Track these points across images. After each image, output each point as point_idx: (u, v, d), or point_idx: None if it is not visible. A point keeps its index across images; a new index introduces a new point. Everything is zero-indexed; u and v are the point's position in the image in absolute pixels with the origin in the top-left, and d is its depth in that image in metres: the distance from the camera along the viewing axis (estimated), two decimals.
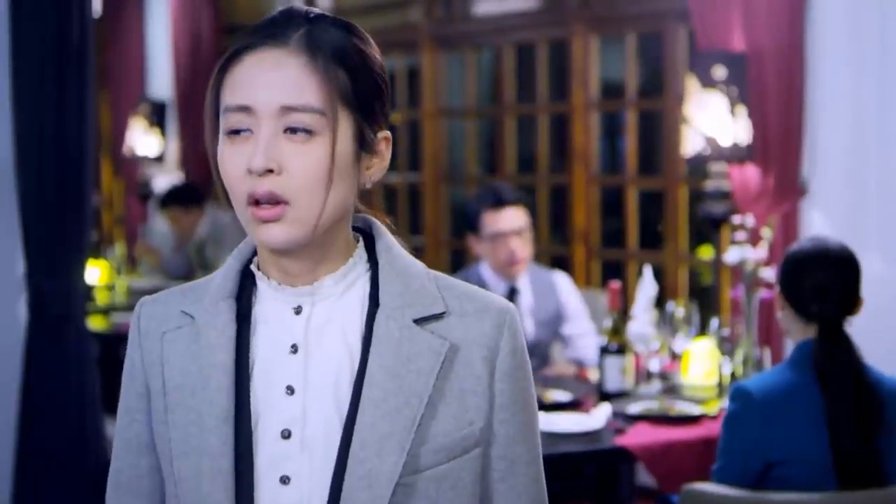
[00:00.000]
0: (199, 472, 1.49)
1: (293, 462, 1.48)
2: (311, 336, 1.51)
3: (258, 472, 1.49)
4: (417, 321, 1.51)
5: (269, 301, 1.54)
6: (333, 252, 1.53)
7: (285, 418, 1.49)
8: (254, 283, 1.56)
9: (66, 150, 3.35)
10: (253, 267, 1.56)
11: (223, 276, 1.57)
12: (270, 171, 1.43)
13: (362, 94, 1.50)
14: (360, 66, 1.50)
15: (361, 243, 1.59)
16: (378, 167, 1.56)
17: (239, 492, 1.48)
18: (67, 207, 3.40)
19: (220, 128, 1.47)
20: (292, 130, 1.45)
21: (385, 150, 1.57)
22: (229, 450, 1.48)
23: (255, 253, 1.57)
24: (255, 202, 1.45)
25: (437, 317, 1.52)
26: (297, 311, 1.52)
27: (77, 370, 3.47)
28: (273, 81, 1.45)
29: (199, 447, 1.49)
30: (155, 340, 1.57)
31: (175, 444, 1.52)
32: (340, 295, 1.54)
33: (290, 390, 1.49)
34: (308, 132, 1.45)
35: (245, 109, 1.45)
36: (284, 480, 1.48)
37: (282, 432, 1.48)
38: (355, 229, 1.60)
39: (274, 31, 1.48)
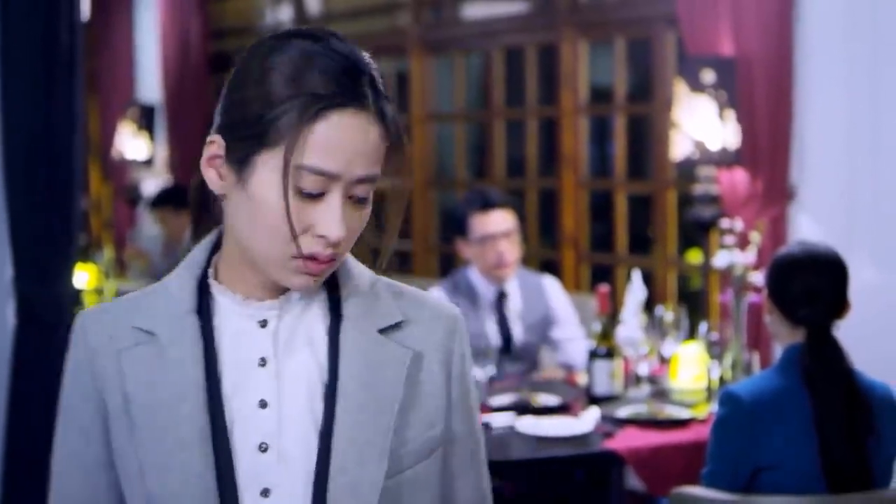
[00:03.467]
0: (181, 490, 1.47)
1: (272, 475, 1.50)
2: (279, 349, 1.52)
3: (240, 486, 1.49)
4: (381, 331, 1.55)
5: (233, 315, 1.54)
6: None
7: (261, 432, 1.50)
8: (210, 297, 1.55)
9: (55, 154, 3.34)
10: (212, 281, 1.55)
11: (180, 290, 1.54)
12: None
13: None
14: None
15: None
16: None
17: None
18: (55, 212, 3.39)
19: (289, 179, 1.41)
20: (359, 200, 1.47)
21: None
22: (212, 466, 1.48)
23: (208, 264, 1.57)
24: (311, 258, 1.46)
25: (397, 325, 1.57)
26: (263, 324, 1.53)
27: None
28: (359, 151, 1.44)
29: (179, 465, 1.48)
30: (109, 358, 1.53)
31: (146, 462, 1.49)
32: (304, 308, 1.55)
33: (263, 404, 1.50)
34: (367, 199, 1.49)
35: (328, 175, 1.43)
36: (265, 493, 1.49)
37: (259, 446, 1.50)
38: None
39: (356, 89, 1.44)
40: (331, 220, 1.44)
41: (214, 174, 1.48)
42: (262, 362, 1.51)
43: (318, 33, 1.49)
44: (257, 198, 1.44)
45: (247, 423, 1.50)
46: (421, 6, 6.82)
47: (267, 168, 1.43)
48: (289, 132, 1.41)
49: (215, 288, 1.55)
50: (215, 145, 1.47)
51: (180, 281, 1.55)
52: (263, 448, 1.49)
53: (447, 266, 6.64)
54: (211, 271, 1.56)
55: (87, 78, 9.07)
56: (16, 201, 3.32)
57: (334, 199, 1.44)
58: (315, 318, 1.55)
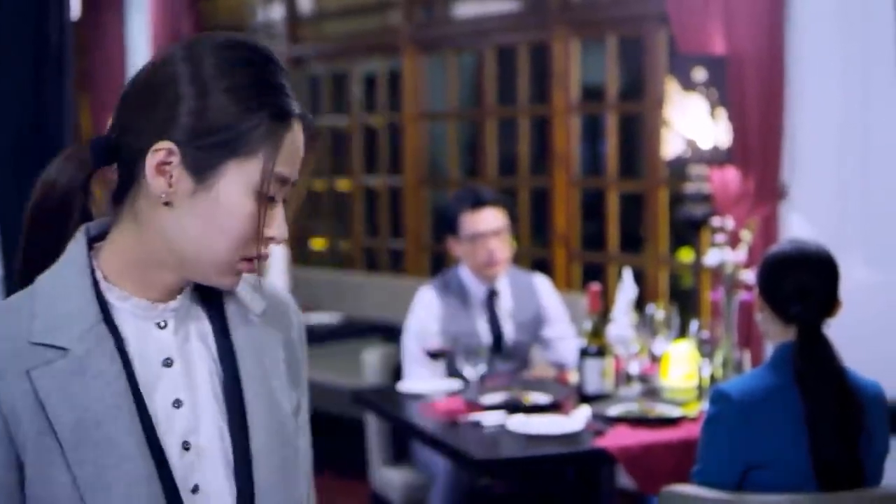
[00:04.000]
0: (128, 502, 1.45)
1: (198, 472, 1.53)
2: (180, 348, 1.55)
3: (178, 487, 1.51)
4: (256, 318, 1.63)
5: (132, 318, 1.53)
6: None
7: (182, 431, 1.52)
8: (106, 301, 1.52)
9: (45, 151, 3.33)
10: (107, 284, 1.52)
11: (81, 299, 1.49)
12: None
13: None
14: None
15: None
16: None
17: None
18: None
19: (260, 184, 1.48)
20: (284, 201, 1.54)
21: None
22: (155, 473, 1.48)
23: (93, 269, 1.53)
24: (249, 260, 1.52)
25: (263, 313, 1.64)
26: (162, 326, 1.54)
27: None
28: (301, 157, 1.55)
29: (124, 477, 1.45)
30: (16, 380, 1.44)
31: (83, 481, 1.43)
32: (189, 307, 1.58)
33: (178, 403, 1.53)
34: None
35: (288, 181, 1.53)
36: (195, 490, 1.52)
37: (182, 445, 1.52)
38: None
39: (296, 98, 1.55)
40: (282, 222, 1.52)
41: (163, 181, 1.46)
42: (168, 363, 1.53)
43: (243, 40, 1.52)
44: (224, 203, 1.46)
45: (169, 425, 1.51)
46: (413, 5, 6.82)
47: (236, 175, 1.47)
48: (264, 142, 1.48)
49: (110, 292, 1.52)
50: (164, 152, 1.45)
51: (70, 287, 1.50)
52: (186, 447, 1.52)
53: (439, 265, 6.64)
54: (99, 274, 1.52)
55: (78, 77, 9.07)
56: (5, 199, 3.31)
57: (280, 203, 1.53)
58: (199, 315, 1.59)
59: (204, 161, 1.45)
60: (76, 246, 1.52)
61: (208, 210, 1.46)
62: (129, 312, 1.52)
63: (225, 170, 1.46)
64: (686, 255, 5.80)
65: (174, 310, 1.55)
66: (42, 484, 1.45)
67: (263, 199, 1.47)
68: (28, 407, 1.44)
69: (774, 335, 2.92)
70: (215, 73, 1.46)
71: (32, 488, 1.45)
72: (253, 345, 1.60)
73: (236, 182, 1.46)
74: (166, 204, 1.47)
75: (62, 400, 1.44)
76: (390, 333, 5.18)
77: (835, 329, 2.88)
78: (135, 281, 1.52)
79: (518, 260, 5.90)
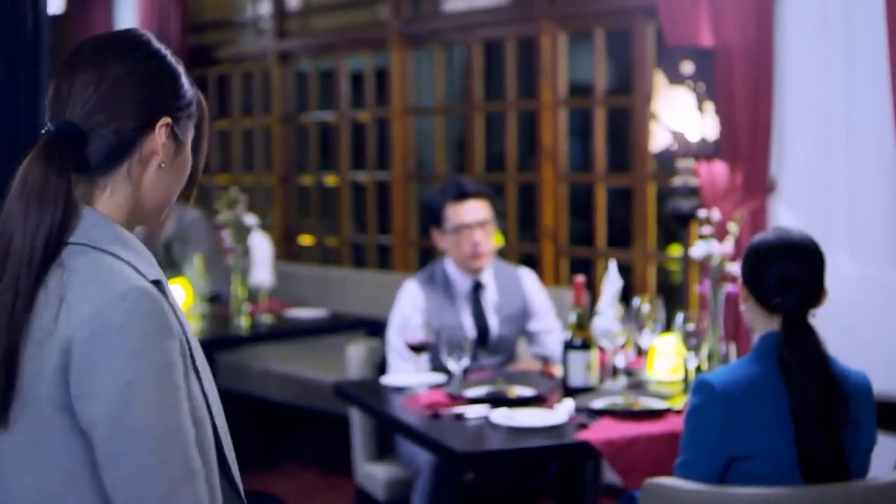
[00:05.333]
0: (221, 420, 1.84)
1: None
2: None
3: None
4: None
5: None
6: None
7: None
8: None
9: (20, 144, 3.29)
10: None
11: (138, 244, 1.83)
12: None
13: None
14: None
15: None
16: None
17: None
18: None
19: (200, 141, 1.96)
20: None
21: None
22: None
23: None
24: None
25: None
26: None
27: None
28: None
29: (215, 397, 1.84)
30: (177, 314, 1.78)
31: (210, 399, 1.80)
32: None
33: None
34: None
35: None
36: None
37: None
38: None
39: None
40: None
41: (166, 147, 1.83)
42: None
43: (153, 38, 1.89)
44: (185, 158, 1.89)
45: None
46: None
47: (189, 135, 1.88)
48: (201, 110, 1.92)
49: None
50: (167, 126, 1.82)
51: (130, 238, 1.81)
52: None
53: (427, 261, 6.60)
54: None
55: None
56: None
57: None
58: None
59: (183, 128, 1.85)
60: (97, 214, 1.78)
61: (179, 166, 1.86)
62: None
63: (188, 134, 1.87)
64: (676, 252, 5.76)
65: None
66: (192, 400, 1.73)
67: (204, 152, 1.94)
68: (182, 335, 1.75)
69: (759, 325, 2.88)
70: (166, 64, 1.84)
71: (191, 404, 1.73)
72: None
73: (189, 141, 1.88)
74: (160, 166, 1.82)
75: (181, 323, 1.77)
76: (377, 329, 5.14)
77: (821, 322, 2.83)
78: None
79: (506, 255, 5.86)
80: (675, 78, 4.68)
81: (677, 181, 4.84)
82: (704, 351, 3.72)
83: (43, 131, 1.77)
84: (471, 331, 4.37)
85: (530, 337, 4.55)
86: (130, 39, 1.82)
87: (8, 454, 1.69)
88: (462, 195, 4.37)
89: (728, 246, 3.85)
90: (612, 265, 4.05)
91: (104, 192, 1.79)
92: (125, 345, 1.64)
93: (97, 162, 1.77)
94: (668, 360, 3.89)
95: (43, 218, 1.69)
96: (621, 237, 6.12)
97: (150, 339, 1.66)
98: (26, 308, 1.67)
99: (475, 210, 4.36)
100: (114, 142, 1.77)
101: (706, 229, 3.91)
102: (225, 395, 1.98)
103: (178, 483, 1.65)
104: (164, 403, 1.66)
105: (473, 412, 3.55)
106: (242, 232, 5.46)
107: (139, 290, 1.67)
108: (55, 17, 8.78)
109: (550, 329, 4.52)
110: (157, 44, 1.84)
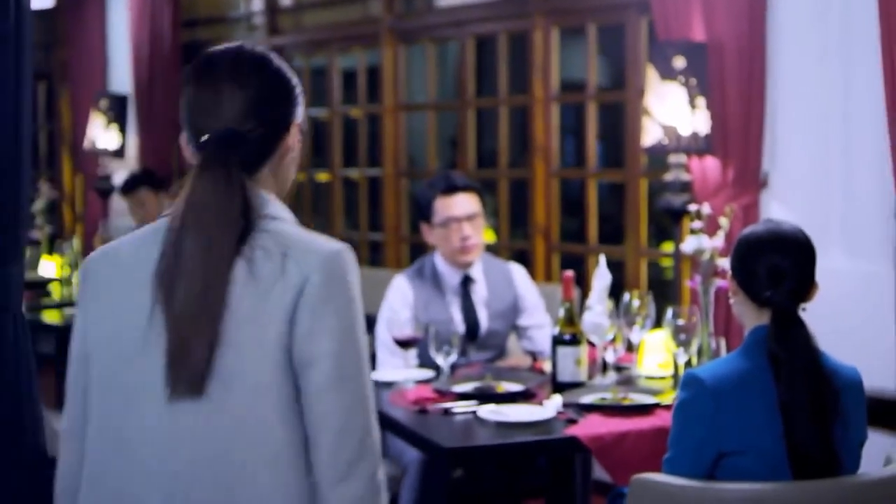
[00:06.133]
0: None
1: None
2: None
3: None
4: None
5: None
6: None
7: None
8: None
9: (1, 137, 3.25)
10: None
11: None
12: None
13: None
14: None
15: None
16: None
17: None
18: (3, 196, 3.30)
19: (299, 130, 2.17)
20: None
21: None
22: None
23: None
24: None
25: None
26: None
27: (14, 361, 3.37)
28: None
29: None
30: None
31: None
32: None
33: None
34: None
35: None
36: None
37: None
38: None
39: None
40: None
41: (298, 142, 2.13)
42: None
43: None
44: (296, 146, 2.14)
45: None
46: None
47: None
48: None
49: None
50: (298, 126, 2.12)
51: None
52: None
53: (419, 257, 6.57)
54: None
55: (58, 68, 9.00)
56: None
57: None
58: None
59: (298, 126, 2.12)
60: (264, 194, 2.02)
61: (297, 153, 2.12)
62: None
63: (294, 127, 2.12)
64: (669, 248, 5.73)
65: None
66: None
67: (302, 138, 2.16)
68: None
69: (749, 319, 2.84)
70: (292, 73, 2.14)
71: None
72: None
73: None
74: (291, 157, 2.10)
75: None
76: (368, 325, 5.10)
77: (813, 318, 2.80)
78: None
79: (497, 252, 5.83)
80: (667, 73, 4.66)
81: (669, 176, 4.81)
82: (694, 346, 3.68)
83: (204, 137, 1.99)
84: (460, 325, 4.34)
85: (521, 332, 4.52)
86: (260, 56, 2.11)
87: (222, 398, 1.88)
88: (451, 188, 4.35)
89: (718, 241, 3.82)
90: (602, 260, 4.01)
91: (256, 186, 2.02)
92: (347, 291, 1.93)
93: (251, 161, 2.02)
94: (657, 356, 3.86)
95: (232, 197, 1.93)
96: (613, 234, 6.09)
97: (358, 288, 1.96)
98: (229, 265, 1.90)
99: (464, 203, 4.33)
100: (263, 144, 2.03)
101: (696, 224, 3.87)
102: None
103: (370, 417, 1.94)
104: (366, 347, 1.96)
105: (461, 407, 3.52)
106: None
107: (349, 249, 1.98)
108: (45, 12, 8.76)
109: (541, 324, 4.49)
110: (277, 59, 2.13)
